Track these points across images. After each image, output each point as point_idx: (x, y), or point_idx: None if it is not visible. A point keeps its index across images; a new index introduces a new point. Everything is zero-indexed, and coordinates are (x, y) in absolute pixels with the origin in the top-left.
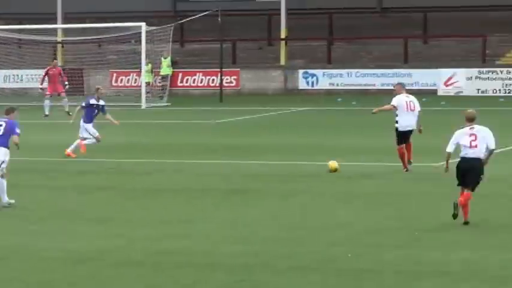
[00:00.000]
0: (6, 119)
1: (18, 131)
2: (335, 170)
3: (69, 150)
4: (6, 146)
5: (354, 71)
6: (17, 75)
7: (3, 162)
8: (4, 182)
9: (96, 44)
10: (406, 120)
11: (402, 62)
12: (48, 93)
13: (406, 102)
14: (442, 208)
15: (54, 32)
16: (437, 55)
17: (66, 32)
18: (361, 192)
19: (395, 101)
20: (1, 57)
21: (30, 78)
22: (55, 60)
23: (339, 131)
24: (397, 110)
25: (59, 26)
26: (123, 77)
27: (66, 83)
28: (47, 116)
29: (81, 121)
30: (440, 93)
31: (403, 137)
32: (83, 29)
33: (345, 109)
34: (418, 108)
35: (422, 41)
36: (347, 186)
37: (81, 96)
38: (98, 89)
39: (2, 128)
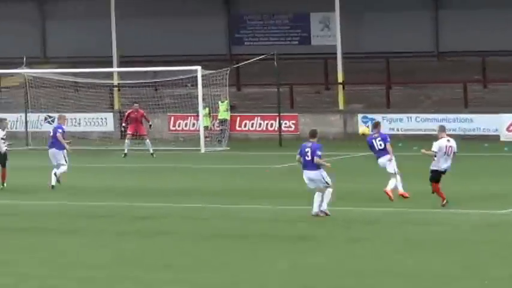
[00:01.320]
0: None
1: None
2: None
3: None
4: None
5: (413, 115)
6: (75, 119)
7: None
8: None
9: (153, 87)
10: (442, 162)
11: (462, 107)
12: (129, 132)
13: (446, 146)
14: (510, 257)
15: (110, 75)
16: (497, 100)
17: (122, 75)
18: (428, 239)
19: (436, 146)
20: (58, 101)
21: (88, 122)
22: (135, 104)
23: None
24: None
25: (115, 69)
26: (181, 121)
27: (150, 123)
28: (125, 155)
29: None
30: (502, 138)
31: (437, 176)
32: (139, 72)
33: (406, 154)
34: (454, 150)
35: (482, 86)
36: (414, 233)
37: (141, 140)
38: None
39: None
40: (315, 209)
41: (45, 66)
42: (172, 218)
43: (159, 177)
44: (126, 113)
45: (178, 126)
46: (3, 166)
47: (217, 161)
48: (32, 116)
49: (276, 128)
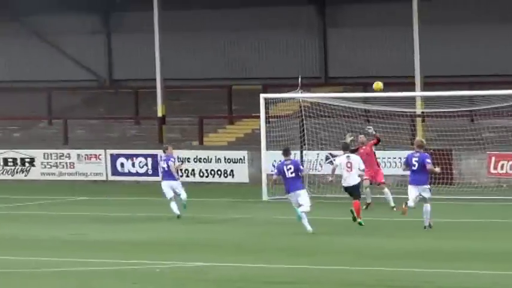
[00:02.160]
0: None
1: None
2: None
3: None
4: None
5: None
6: None
7: None
8: None
9: (468, 117)
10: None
11: None
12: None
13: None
14: None
15: (411, 102)
16: None
17: (426, 103)
18: None
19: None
20: (345, 135)
21: (382, 162)
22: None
23: None
24: None
25: (419, 93)
26: (505, 162)
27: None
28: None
29: None
30: None
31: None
32: (448, 98)
33: None
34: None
35: None
36: None
37: (448, 186)
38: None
39: None
40: None
41: (326, 89)
42: None
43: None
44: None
45: (501, 169)
46: None
47: None
48: (310, 155)
49: None
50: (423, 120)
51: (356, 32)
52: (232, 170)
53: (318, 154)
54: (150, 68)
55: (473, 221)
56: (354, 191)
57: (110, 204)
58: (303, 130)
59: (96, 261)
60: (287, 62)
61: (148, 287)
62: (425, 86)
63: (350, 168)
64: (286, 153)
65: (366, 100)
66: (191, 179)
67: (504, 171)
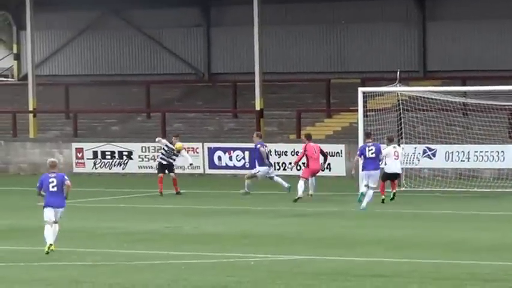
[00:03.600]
0: None
1: None
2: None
3: None
4: None
5: None
6: (463, 152)
7: None
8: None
9: None
10: None
11: None
12: None
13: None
14: None
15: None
16: None
17: None
18: None
19: None
20: (442, 129)
21: (480, 156)
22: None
23: None
24: None
25: None
26: None
27: None
28: None
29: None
30: None
31: None
32: None
33: None
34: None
35: None
36: None
37: None
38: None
39: None
40: None
41: (424, 83)
42: None
43: None
44: None
45: None
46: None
47: None
48: (407, 148)
49: None
50: None
51: (455, 25)
52: (329, 164)
53: (415, 148)
54: (248, 62)
55: None
56: (397, 177)
57: (207, 197)
58: (401, 124)
59: (190, 254)
60: (386, 55)
61: (243, 280)
62: None
63: (397, 157)
64: (368, 136)
65: (464, 94)
66: (288, 172)
67: None
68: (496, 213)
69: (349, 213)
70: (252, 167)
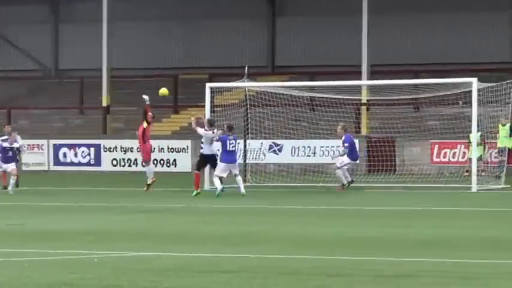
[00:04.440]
0: None
1: None
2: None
3: None
4: None
5: None
6: (309, 147)
7: None
8: None
9: (412, 106)
10: None
11: None
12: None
13: None
14: None
15: (355, 90)
16: None
17: (371, 91)
18: None
19: None
20: (287, 124)
21: (326, 151)
22: None
23: None
24: None
25: (366, 82)
26: (448, 150)
27: None
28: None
29: None
30: None
31: None
32: (394, 86)
33: None
34: None
35: None
36: None
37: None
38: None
39: None
40: None
41: (272, 78)
42: None
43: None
44: None
45: (444, 157)
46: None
47: (491, 202)
48: (253, 144)
49: None
50: (368, 109)
51: (304, 21)
52: (175, 160)
53: (261, 143)
54: (96, 58)
55: (415, 208)
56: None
57: (51, 194)
58: (247, 119)
59: (33, 252)
60: (235, 51)
61: (86, 277)
62: (372, 75)
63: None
64: (230, 128)
65: (311, 88)
66: (133, 168)
67: (446, 159)
68: (342, 207)
69: (196, 209)
70: (97, 164)
